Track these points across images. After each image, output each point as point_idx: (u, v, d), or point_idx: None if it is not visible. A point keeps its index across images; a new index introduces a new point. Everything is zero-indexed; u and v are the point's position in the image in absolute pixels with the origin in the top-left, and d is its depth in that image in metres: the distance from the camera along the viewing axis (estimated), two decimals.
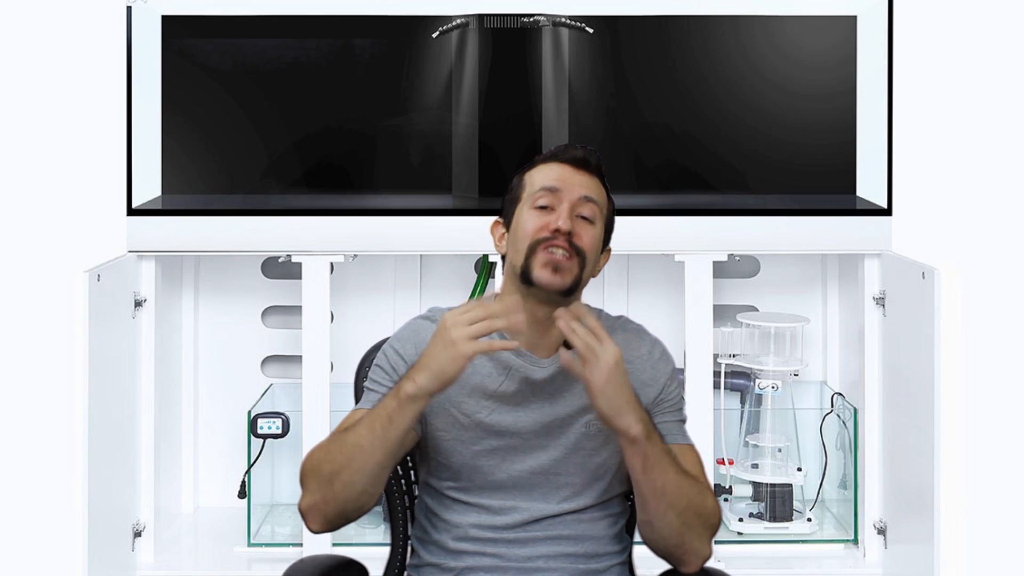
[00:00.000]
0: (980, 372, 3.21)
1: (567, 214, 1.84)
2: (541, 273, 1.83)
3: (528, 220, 1.86)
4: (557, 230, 1.83)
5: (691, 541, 1.83)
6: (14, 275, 3.24)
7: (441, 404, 1.87)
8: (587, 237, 1.86)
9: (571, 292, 1.85)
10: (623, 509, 1.98)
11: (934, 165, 3.25)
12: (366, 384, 1.94)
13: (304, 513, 1.82)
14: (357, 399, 2.02)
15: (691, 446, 1.93)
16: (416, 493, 2.04)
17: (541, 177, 1.89)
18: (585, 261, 1.85)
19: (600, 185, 1.92)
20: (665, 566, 1.90)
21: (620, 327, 1.98)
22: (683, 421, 1.96)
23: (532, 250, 1.84)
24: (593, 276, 1.91)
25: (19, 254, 3.26)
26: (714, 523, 1.85)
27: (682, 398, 1.97)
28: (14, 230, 3.27)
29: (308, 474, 1.81)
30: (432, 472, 1.93)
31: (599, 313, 2.00)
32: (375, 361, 1.95)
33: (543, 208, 1.86)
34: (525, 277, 1.84)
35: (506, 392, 1.88)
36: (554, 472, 1.88)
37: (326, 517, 1.81)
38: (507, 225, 1.93)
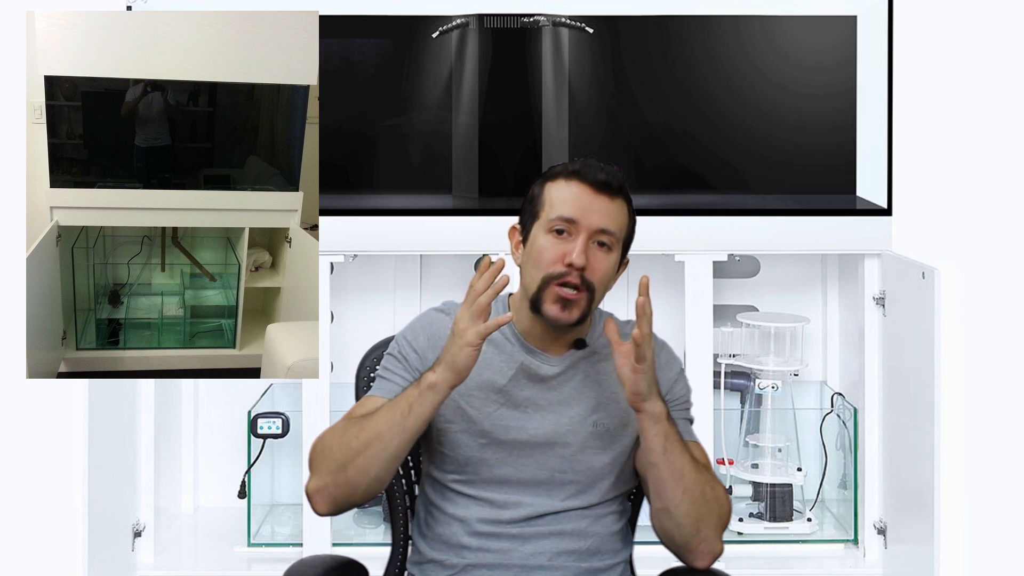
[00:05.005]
0: (980, 372, 3.21)
1: (582, 248, 1.82)
2: (550, 308, 1.83)
3: (544, 248, 1.84)
4: (571, 264, 1.82)
5: (706, 530, 1.84)
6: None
7: (451, 395, 1.87)
8: (601, 268, 1.85)
9: (580, 323, 1.86)
10: (626, 507, 1.99)
11: (934, 165, 3.24)
12: (378, 372, 1.94)
13: (311, 495, 1.83)
14: (358, 398, 2.02)
15: (699, 443, 1.95)
16: (416, 491, 2.04)
17: (560, 199, 1.85)
18: (595, 293, 1.85)
19: (621, 206, 1.88)
20: (666, 566, 1.91)
21: (630, 330, 1.98)
22: (691, 421, 1.97)
23: (545, 283, 1.84)
24: (608, 290, 1.91)
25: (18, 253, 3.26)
26: (726, 516, 1.87)
27: (689, 399, 1.99)
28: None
29: (320, 457, 1.82)
30: (437, 464, 1.93)
31: (611, 316, 2.00)
32: (387, 351, 1.95)
33: (559, 233, 1.84)
34: (535, 307, 1.85)
35: (515, 387, 1.89)
36: (560, 470, 1.89)
37: (334, 500, 1.82)
38: (524, 235, 1.91)
